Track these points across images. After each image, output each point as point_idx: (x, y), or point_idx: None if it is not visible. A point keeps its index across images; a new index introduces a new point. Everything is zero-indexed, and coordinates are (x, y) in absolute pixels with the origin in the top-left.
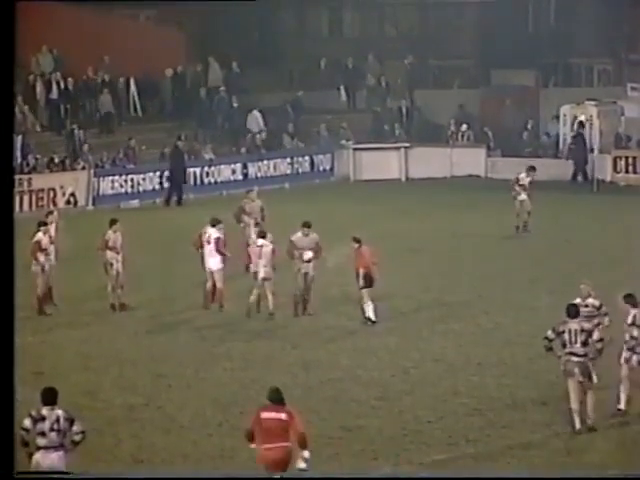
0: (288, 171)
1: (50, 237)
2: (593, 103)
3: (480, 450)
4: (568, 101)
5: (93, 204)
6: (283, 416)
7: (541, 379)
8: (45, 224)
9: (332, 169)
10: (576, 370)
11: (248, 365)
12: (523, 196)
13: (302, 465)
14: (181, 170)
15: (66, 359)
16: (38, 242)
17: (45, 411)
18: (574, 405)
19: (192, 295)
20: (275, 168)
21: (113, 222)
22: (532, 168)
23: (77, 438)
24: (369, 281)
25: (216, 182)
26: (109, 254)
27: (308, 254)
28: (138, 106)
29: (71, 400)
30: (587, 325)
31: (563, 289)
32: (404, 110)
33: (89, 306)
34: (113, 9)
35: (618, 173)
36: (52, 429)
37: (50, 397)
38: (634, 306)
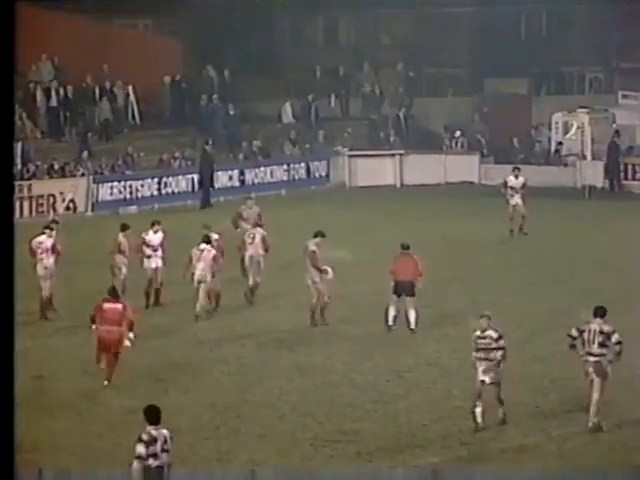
0: (285, 177)
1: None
2: (585, 111)
3: (474, 453)
4: (560, 109)
5: (92, 210)
6: (119, 307)
7: (534, 383)
8: (51, 228)
9: (328, 175)
10: (590, 369)
11: (244, 369)
12: (516, 199)
13: (127, 343)
14: (209, 174)
15: (65, 363)
16: (43, 244)
17: (154, 431)
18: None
19: (189, 300)
20: (272, 175)
21: (124, 227)
22: (517, 168)
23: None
24: (410, 289)
25: (214, 188)
26: (118, 258)
27: (329, 273)
28: (136, 113)
29: (71, 404)
30: (606, 327)
31: (556, 294)
32: (401, 117)
33: (88, 311)
34: (112, 18)
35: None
36: (163, 449)
37: (155, 416)
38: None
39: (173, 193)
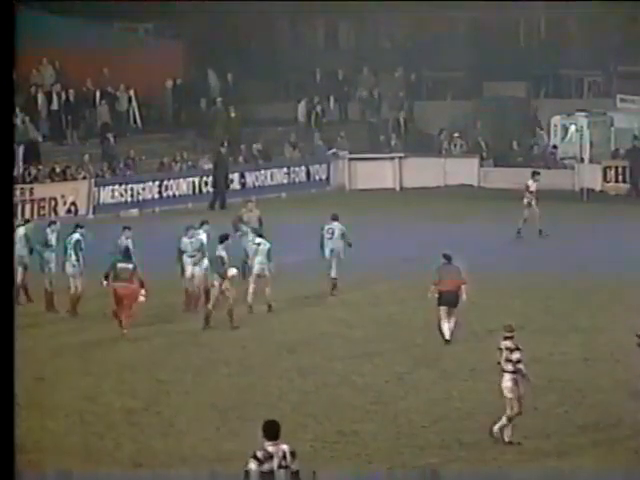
0: (285, 181)
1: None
2: (583, 114)
3: (473, 454)
4: (558, 112)
5: (93, 213)
6: (130, 267)
7: (532, 384)
8: (82, 226)
9: (328, 179)
10: None
11: (245, 371)
12: (533, 203)
13: (142, 298)
14: (224, 175)
15: (67, 364)
16: (78, 242)
17: (271, 448)
18: None
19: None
20: (272, 178)
21: (126, 229)
22: (536, 173)
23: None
24: (455, 300)
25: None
26: None
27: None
28: (138, 117)
29: (72, 404)
30: None
31: (556, 296)
32: (400, 121)
33: (89, 312)
34: (113, 22)
35: (608, 182)
36: (280, 466)
37: (274, 431)
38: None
39: (174, 196)
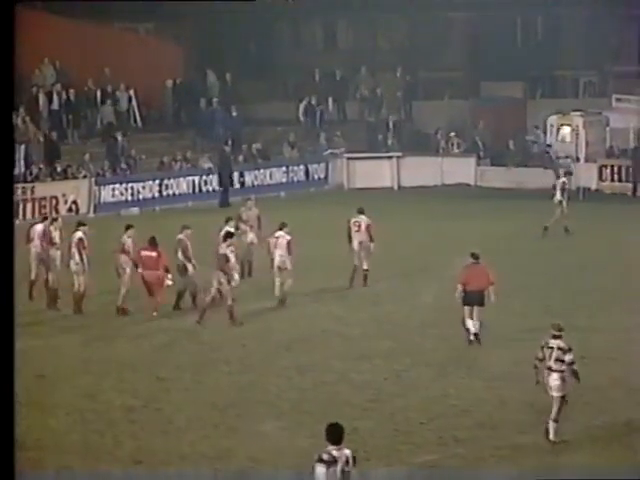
0: (284, 180)
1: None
2: (579, 114)
3: (469, 450)
4: (554, 112)
5: (94, 212)
6: (154, 254)
7: (528, 381)
8: (84, 224)
9: (326, 178)
10: None
11: (245, 369)
12: (564, 201)
13: (169, 282)
14: (228, 173)
15: (67, 362)
16: (81, 240)
17: (335, 452)
18: None
19: (189, 299)
20: (271, 177)
21: (129, 227)
22: (568, 173)
23: None
24: (480, 300)
25: (214, 190)
26: (122, 258)
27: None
28: (138, 117)
29: (72, 402)
30: None
31: (551, 295)
32: (398, 121)
33: (90, 310)
34: (113, 22)
35: (604, 181)
36: (343, 471)
37: (338, 435)
38: None
39: (174, 195)
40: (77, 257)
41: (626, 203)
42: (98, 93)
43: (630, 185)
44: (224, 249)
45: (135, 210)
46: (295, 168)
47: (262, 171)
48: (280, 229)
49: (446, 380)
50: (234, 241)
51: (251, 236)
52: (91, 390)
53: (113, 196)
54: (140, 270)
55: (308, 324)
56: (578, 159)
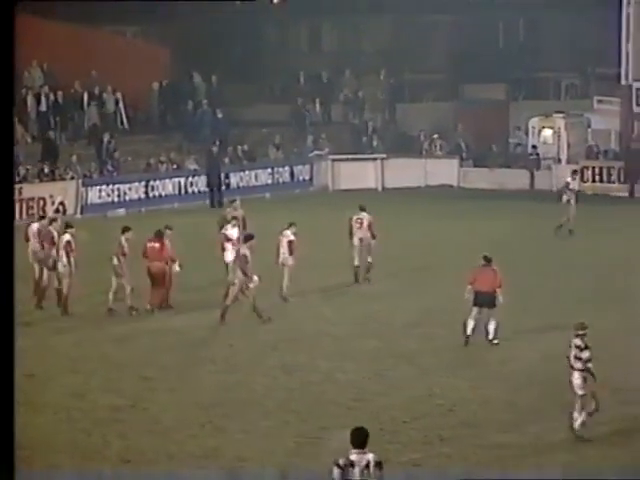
0: (269, 181)
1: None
2: (561, 115)
3: (454, 449)
4: (537, 114)
5: (81, 213)
6: (157, 245)
7: (511, 380)
8: (72, 226)
9: (311, 179)
10: None
11: (231, 368)
12: (572, 201)
13: (177, 268)
14: (216, 174)
15: (56, 362)
16: (69, 243)
17: (355, 456)
18: None
19: (177, 299)
20: (256, 178)
21: (126, 229)
22: (575, 172)
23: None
24: (489, 301)
25: (200, 192)
26: (120, 259)
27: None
28: (124, 118)
29: (60, 402)
30: None
31: (533, 294)
32: (380, 122)
33: (78, 311)
34: (101, 25)
35: (585, 182)
36: (362, 475)
37: (360, 439)
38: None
39: (160, 196)
40: (65, 259)
41: (608, 204)
42: (85, 95)
43: (613, 186)
44: (245, 249)
45: (121, 211)
46: (280, 170)
47: (247, 172)
48: (287, 228)
49: (430, 380)
50: (254, 242)
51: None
52: (79, 390)
53: (100, 197)
54: (147, 262)
55: (294, 324)
56: (560, 160)
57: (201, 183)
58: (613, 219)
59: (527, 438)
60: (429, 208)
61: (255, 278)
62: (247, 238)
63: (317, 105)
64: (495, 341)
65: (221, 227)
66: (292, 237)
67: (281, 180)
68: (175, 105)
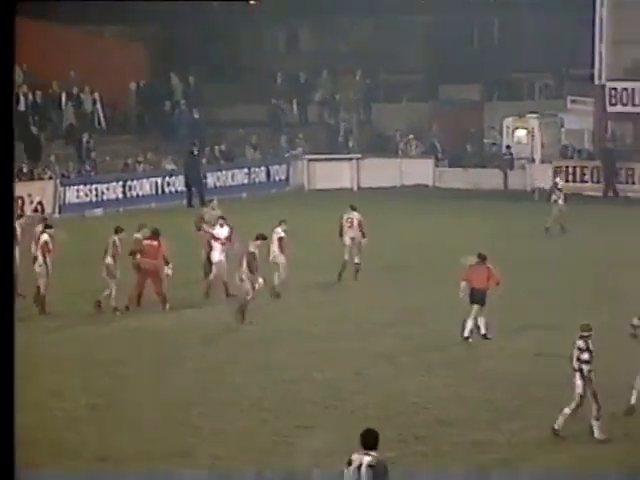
0: (245, 181)
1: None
2: (535, 116)
3: (429, 447)
4: (511, 114)
5: (60, 212)
6: (155, 244)
7: (486, 378)
8: (51, 227)
9: (287, 179)
10: None
11: (207, 366)
12: (561, 200)
13: (169, 271)
14: (197, 174)
15: (34, 361)
16: (46, 243)
17: (355, 455)
18: None
19: (154, 298)
20: (233, 178)
21: (120, 230)
22: (562, 171)
23: None
24: (484, 298)
25: (177, 191)
26: (111, 259)
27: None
28: (102, 119)
29: (38, 400)
30: None
31: (510, 294)
32: (356, 123)
33: (58, 310)
34: (79, 25)
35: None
36: (354, 474)
37: (366, 440)
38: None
39: (137, 196)
40: (41, 259)
41: (581, 203)
42: (63, 95)
43: (586, 185)
44: (253, 248)
45: (99, 211)
46: (257, 170)
47: (224, 172)
48: (277, 225)
49: (406, 378)
50: (259, 243)
51: None
52: (57, 388)
53: (78, 197)
54: (138, 258)
55: (271, 323)
56: (534, 160)
57: (178, 183)
58: (590, 218)
59: (503, 436)
60: (405, 208)
61: (260, 280)
62: (258, 237)
63: (294, 105)
64: (489, 336)
65: (198, 228)
66: (282, 234)
67: (257, 180)
68: (152, 105)
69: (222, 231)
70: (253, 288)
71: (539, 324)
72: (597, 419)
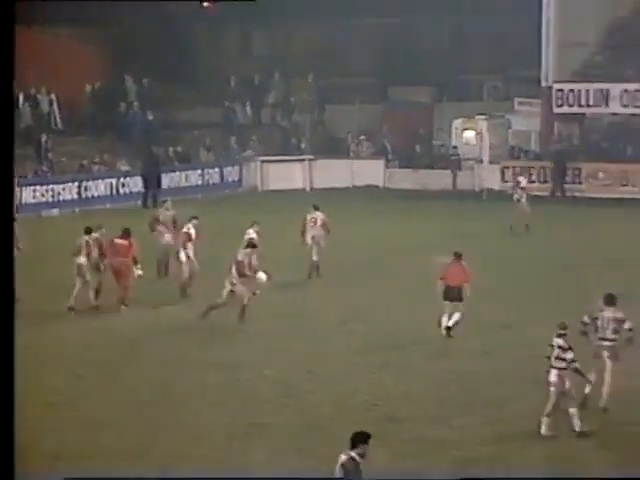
0: (199, 182)
1: None
2: (483, 117)
3: (378, 444)
4: (460, 115)
5: (16, 212)
6: (127, 243)
7: (437, 377)
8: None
9: (240, 180)
10: (605, 353)
11: (161, 365)
12: (523, 199)
13: (139, 272)
14: (155, 174)
15: None
16: None
17: (343, 455)
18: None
19: (109, 298)
20: (187, 179)
21: (90, 231)
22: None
23: None
24: (459, 295)
25: (131, 192)
26: (81, 260)
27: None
28: (58, 120)
29: None
30: (620, 315)
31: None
32: (309, 124)
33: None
34: (36, 26)
35: (506, 182)
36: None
37: (352, 439)
38: None
39: (93, 197)
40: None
41: (530, 203)
42: (20, 96)
43: (533, 185)
44: (242, 256)
45: (55, 211)
46: (210, 171)
47: (178, 174)
48: (250, 227)
49: (357, 376)
50: (249, 251)
51: (168, 237)
52: (15, 388)
53: (34, 197)
54: (107, 260)
55: (225, 321)
56: (482, 161)
57: (133, 184)
58: (539, 218)
59: (453, 432)
60: (357, 208)
61: (263, 276)
62: (249, 245)
63: (247, 108)
64: (451, 330)
65: (152, 229)
66: (254, 235)
67: (211, 181)
68: (107, 107)
69: (193, 231)
70: (254, 293)
71: (490, 323)
72: (575, 412)
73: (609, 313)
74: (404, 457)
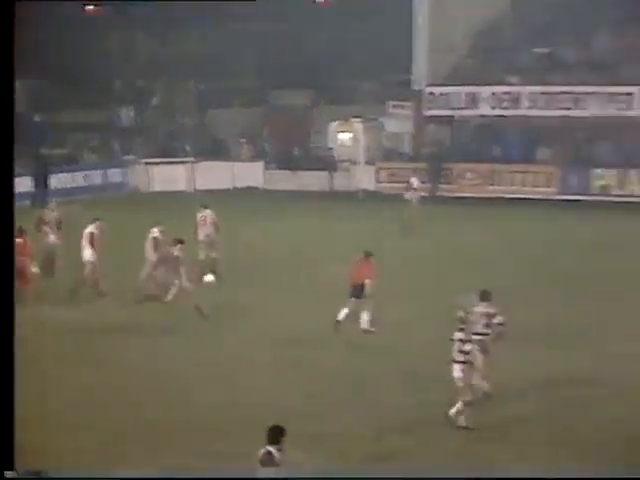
0: (84, 183)
1: None
2: (358, 120)
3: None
4: (336, 118)
5: None
6: (22, 241)
7: (324, 375)
8: None
9: (124, 182)
10: (475, 347)
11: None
12: (415, 200)
13: (34, 269)
14: (42, 175)
15: None
16: None
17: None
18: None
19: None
20: (73, 180)
21: (20, 231)
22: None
23: None
24: (361, 291)
25: (19, 193)
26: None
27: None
28: None
29: None
30: (492, 310)
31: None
32: (194, 127)
33: None
34: None
35: (381, 183)
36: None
37: (271, 435)
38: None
39: None
40: None
41: (403, 202)
42: None
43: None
44: (177, 251)
45: None
46: (94, 172)
47: (64, 175)
48: (154, 226)
49: (237, 378)
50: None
51: (52, 237)
52: None
53: None
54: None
55: (109, 320)
56: (358, 162)
57: (19, 185)
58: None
59: (337, 427)
60: (237, 209)
61: (211, 277)
62: (177, 242)
63: (131, 111)
64: (372, 329)
65: (39, 229)
66: (157, 234)
67: (95, 183)
68: None
69: (97, 231)
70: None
71: (388, 321)
72: (467, 404)
73: (481, 308)
74: (293, 452)
